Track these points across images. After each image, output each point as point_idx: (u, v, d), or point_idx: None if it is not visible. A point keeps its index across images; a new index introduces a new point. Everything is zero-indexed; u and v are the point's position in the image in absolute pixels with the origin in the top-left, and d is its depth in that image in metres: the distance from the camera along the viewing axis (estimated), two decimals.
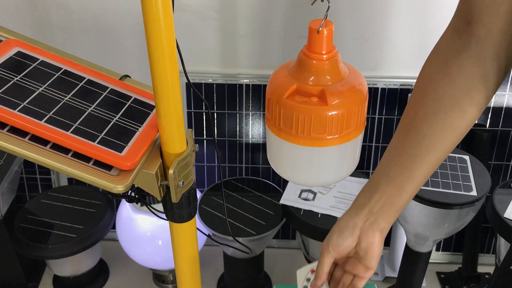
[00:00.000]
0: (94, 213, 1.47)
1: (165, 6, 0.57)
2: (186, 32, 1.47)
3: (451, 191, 1.18)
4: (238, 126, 1.59)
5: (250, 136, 1.60)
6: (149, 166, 0.66)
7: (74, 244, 1.38)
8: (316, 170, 0.74)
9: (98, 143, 0.63)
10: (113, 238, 1.68)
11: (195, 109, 1.56)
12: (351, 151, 0.73)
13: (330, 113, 0.66)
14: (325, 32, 0.72)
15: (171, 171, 0.65)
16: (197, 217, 1.35)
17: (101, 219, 1.44)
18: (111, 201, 1.52)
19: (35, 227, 1.42)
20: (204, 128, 1.59)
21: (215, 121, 1.58)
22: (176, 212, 0.74)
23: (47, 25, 1.47)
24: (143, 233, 1.43)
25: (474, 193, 1.17)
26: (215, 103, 1.56)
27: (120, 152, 0.63)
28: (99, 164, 0.63)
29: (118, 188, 0.61)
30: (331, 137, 0.69)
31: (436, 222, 1.21)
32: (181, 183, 0.68)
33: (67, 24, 1.46)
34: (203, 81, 1.53)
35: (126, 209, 1.46)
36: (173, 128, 0.66)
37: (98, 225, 1.42)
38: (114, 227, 1.53)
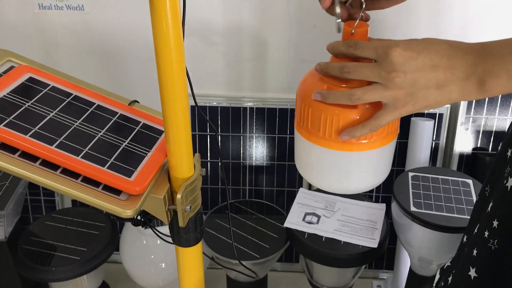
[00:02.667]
0: (98, 235, 1.47)
1: (176, 33, 0.58)
2: (191, 56, 1.49)
3: (455, 215, 1.18)
4: (242, 148, 1.60)
5: (254, 159, 1.61)
6: (157, 190, 0.67)
7: (77, 267, 1.38)
8: (345, 176, 0.69)
9: (107, 168, 0.64)
10: (117, 260, 1.68)
11: (200, 131, 1.58)
12: (382, 158, 0.69)
13: (358, 117, 0.62)
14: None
15: (179, 196, 0.66)
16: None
17: (105, 241, 1.44)
18: (115, 223, 1.52)
19: (38, 249, 1.42)
20: (208, 151, 1.60)
21: (219, 144, 1.59)
22: (182, 236, 0.74)
23: (55, 49, 1.49)
24: (146, 255, 1.42)
25: None
26: (219, 126, 1.57)
27: (129, 177, 0.64)
28: (108, 189, 0.64)
29: (127, 213, 0.62)
30: (361, 141, 0.65)
31: (440, 246, 1.21)
32: (189, 207, 0.68)
33: (75, 48, 1.48)
34: (207, 104, 1.55)
35: (130, 231, 1.47)
36: (182, 154, 0.67)
37: (101, 248, 1.42)
38: (118, 249, 1.52)
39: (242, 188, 1.65)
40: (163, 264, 1.41)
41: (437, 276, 1.22)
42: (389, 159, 0.72)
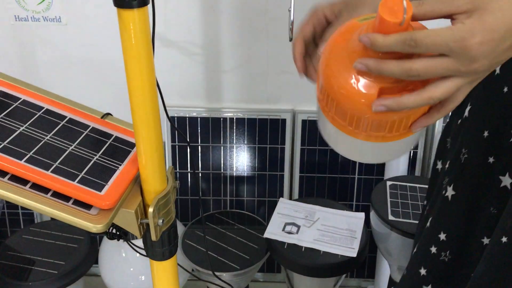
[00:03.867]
0: (77, 248, 1.45)
1: (145, 47, 0.58)
2: (171, 67, 1.49)
3: None
4: (222, 159, 1.60)
5: (234, 169, 1.61)
6: (129, 204, 0.67)
7: (55, 281, 1.36)
8: (382, 155, 0.61)
9: (77, 182, 0.64)
10: (96, 273, 1.66)
11: (179, 142, 1.57)
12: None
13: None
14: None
15: (150, 210, 0.66)
16: (180, 252, 1.34)
17: (83, 254, 1.42)
18: (94, 236, 1.51)
19: (15, 264, 1.40)
20: (188, 162, 1.59)
21: (199, 154, 1.58)
22: (156, 250, 0.74)
23: (32, 61, 1.48)
24: (126, 268, 1.41)
25: None
26: (199, 137, 1.57)
27: (100, 191, 0.64)
28: (78, 203, 0.63)
29: (97, 227, 0.61)
30: (392, 134, 0.53)
31: None
32: (161, 221, 0.68)
33: (52, 60, 1.48)
34: (187, 115, 1.54)
35: (109, 244, 1.45)
36: (154, 167, 0.67)
37: (80, 261, 1.40)
38: (97, 262, 1.51)
39: (223, 199, 1.65)
40: (143, 276, 1.40)
41: None
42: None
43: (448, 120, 0.77)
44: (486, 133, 0.63)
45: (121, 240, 0.92)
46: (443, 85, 0.47)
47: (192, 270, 1.42)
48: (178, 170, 1.60)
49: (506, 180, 0.60)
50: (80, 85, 1.51)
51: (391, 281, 1.36)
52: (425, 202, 0.77)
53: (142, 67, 0.59)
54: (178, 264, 0.90)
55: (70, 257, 1.42)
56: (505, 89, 0.61)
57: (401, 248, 1.22)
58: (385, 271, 1.56)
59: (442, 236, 0.65)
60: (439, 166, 0.74)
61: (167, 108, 1.58)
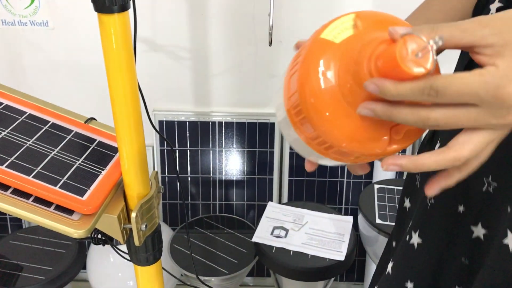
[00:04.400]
0: (64, 253, 1.44)
1: (127, 51, 0.58)
2: (159, 71, 1.49)
3: None
4: (211, 163, 1.60)
5: (223, 173, 1.61)
6: (111, 209, 0.66)
7: (42, 286, 1.35)
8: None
9: (59, 187, 0.63)
10: (84, 278, 1.65)
11: (168, 146, 1.57)
12: None
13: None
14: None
15: (133, 214, 0.66)
16: (168, 256, 1.33)
17: (71, 259, 1.42)
18: (82, 241, 1.50)
19: (2, 270, 1.39)
20: (177, 165, 1.59)
21: (188, 158, 1.58)
22: (140, 255, 0.73)
23: (19, 65, 1.47)
24: (114, 273, 1.40)
25: None
26: (188, 141, 1.57)
27: (82, 196, 0.63)
28: (60, 209, 0.63)
29: (79, 232, 0.61)
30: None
31: None
32: (144, 226, 0.68)
33: (40, 64, 1.47)
34: (176, 119, 1.54)
35: (97, 249, 1.44)
36: (136, 171, 0.66)
37: (67, 266, 1.39)
38: (85, 267, 1.50)
39: (212, 203, 1.64)
40: (131, 281, 1.39)
41: None
42: None
43: (417, 151, 0.70)
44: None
45: (108, 245, 0.91)
46: (471, 142, 0.38)
47: (181, 275, 1.42)
48: (166, 174, 1.59)
49: (478, 231, 0.54)
50: (67, 89, 1.50)
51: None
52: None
53: (124, 72, 0.59)
54: (165, 270, 0.90)
55: (58, 262, 1.41)
56: None
57: None
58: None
59: (410, 285, 0.60)
60: (407, 204, 0.67)
61: (155, 113, 1.57)
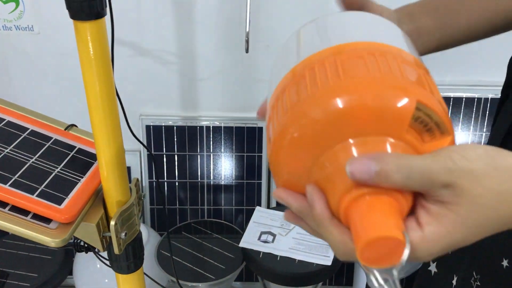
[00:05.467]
0: (51, 259, 1.43)
1: (103, 58, 0.57)
2: (146, 76, 1.49)
3: None
4: (199, 167, 1.59)
5: (212, 178, 1.60)
6: (90, 217, 0.66)
7: None
8: None
9: (37, 196, 0.62)
10: (71, 284, 1.63)
11: (156, 151, 1.56)
12: None
13: None
14: None
15: (112, 222, 0.65)
16: (155, 263, 1.32)
17: (57, 266, 1.40)
18: (69, 248, 1.48)
19: None
20: (165, 170, 1.58)
21: (176, 163, 1.57)
22: (121, 263, 0.73)
23: (4, 70, 1.46)
24: (100, 279, 1.39)
25: None
26: (175, 145, 1.56)
27: (60, 204, 0.63)
28: (38, 217, 0.62)
29: (56, 241, 0.60)
30: None
31: None
32: (124, 234, 0.67)
33: (25, 69, 1.46)
34: (163, 124, 1.53)
35: (83, 255, 1.43)
36: (115, 179, 0.66)
37: (53, 273, 1.38)
38: (71, 273, 1.48)
39: (201, 208, 1.64)
40: None
41: None
42: None
43: None
44: (506, 262, 0.52)
45: (85, 253, 0.90)
46: None
47: (168, 281, 1.41)
48: (154, 179, 1.58)
49: None
50: (53, 94, 1.49)
51: None
52: None
53: (101, 79, 0.58)
54: (149, 277, 0.89)
55: (44, 268, 1.39)
56: None
57: None
58: (362, 278, 1.56)
59: None
60: (433, 268, 0.64)
61: (142, 117, 1.56)
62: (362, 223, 0.31)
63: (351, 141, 0.33)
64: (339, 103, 0.32)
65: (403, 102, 0.32)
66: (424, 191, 0.32)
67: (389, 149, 0.33)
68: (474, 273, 0.55)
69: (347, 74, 0.33)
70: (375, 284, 0.32)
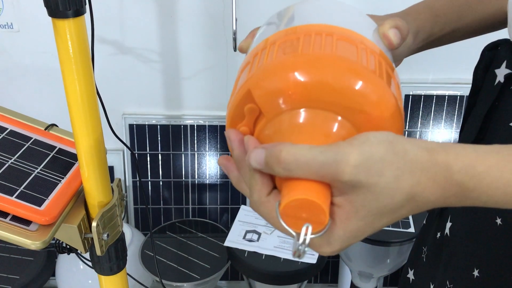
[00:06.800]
0: (33, 261, 1.40)
1: (83, 56, 0.56)
2: (129, 74, 1.47)
3: (390, 229, 1.20)
4: (183, 166, 1.58)
5: (196, 177, 1.59)
6: (71, 219, 0.65)
7: None
8: None
9: (16, 197, 0.61)
10: (53, 286, 1.61)
11: (139, 150, 1.55)
12: None
13: None
14: None
15: (94, 224, 0.64)
16: (139, 263, 1.31)
17: (39, 267, 1.38)
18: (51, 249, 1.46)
19: None
20: (149, 170, 1.57)
21: (160, 162, 1.56)
22: (104, 265, 0.72)
23: None
24: (84, 281, 1.38)
25: (412, 229, 1.20)
26: (159, 144, 1.54)
27: (40, 206, 0.61)
28: (17, 219, 0.61)
29: (36, 244, 0.59)
30: None
31: (378, 259, 1.23)
32: (106, 235, 0.66)
33: (4, 67, 1.43)
34: (146, 123, 1.52)
35: (66, 256, 1.41)
36: (96, 179, 0.65)
37: (35, 275, 1.36)
38: (54, 274, 1.46)
39: (185, 207, 1.63)
40: None
41: None
42: None
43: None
44: (476, 272, 0.52)
45: (67, 254, 0.88)
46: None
47: (153, 281, 1.40)
48: (137, 179, 1.57)
49: None
50: (33, 93, 1.47)
51: (352, 286, 1.37)
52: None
53: (80, 78, 0.57)
54: (133, 278, 0.88)
55: (26, 270, 1.37)
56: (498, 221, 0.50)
57: (359, 253, 1.23)
58: (347, 276, 1.56)
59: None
60: (411, 276, 0.65)
61: (125, 116, 1.55)
62: (294, 185, 0.33)
63: (301, 110, 0.35)
64: (297, 73, 0.34)
65: (354, 84, 0.34)
66: (326, 182, 0.33)
67: (334, 127, 0.35)
68: (447, 282, 0.56)
69: (297, 51, 0.36)
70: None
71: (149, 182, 1.58)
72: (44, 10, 0.53)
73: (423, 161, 0.33)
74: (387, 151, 0.32)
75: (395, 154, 0.32)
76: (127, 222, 1.61)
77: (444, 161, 0.33)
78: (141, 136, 1.53)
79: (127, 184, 1.57)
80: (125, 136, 1.51)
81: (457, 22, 0.54)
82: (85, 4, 0.55)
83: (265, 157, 0.33)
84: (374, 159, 0.32)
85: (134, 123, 1.51)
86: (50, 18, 0.54)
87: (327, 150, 0.32)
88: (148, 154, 1.55)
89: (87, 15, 0.56)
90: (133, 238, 1.40)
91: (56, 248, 0.76)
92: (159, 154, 1.56)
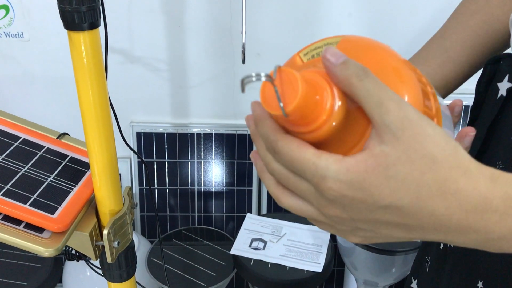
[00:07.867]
0: (40, 267, 1.41)
1: (97, 67, 0.58)
2: (137, 83, 1.49)
3: None
4: (190, 174, 1.59)
5: (202, 185, 1.60)
6: (83, 226, 0.66)
7: None
8: None
9: (29, 205, 0.62)
10: None
11: (146, 158, 1.56)
12: None
13: None
14: None
15: (105, 231, 0.65)
16: (145, 270, 1.32)
17: (46, 274, 1.39)
18: (59, 255, 1.48)
19: None
20: (155, 177, 1.58)
21: (166, 170, 1.57)
22: (114, 272, 0.73)
23: None
24: (91, 287, 1.38)
25: None
26: (166, 152, 1.56)
27: (52, 214, 0.63)
28: (30, 227, 0.62)
29: (49, 251, 0.60)
30: None
31: (383, 268, 1.23)
32: (117, 243, 0.67)
33: (15, 77, 1.45)
34: (154, 131, 1.53)
35: (73, 263, 1.42)
36: (108, 187, 0.66)
37: (42, 281, 1.37)
38: (61, 281, 1.47)
39: (191, 215, 1.63)
40: None
41: None
42: None
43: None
44: (480, 284, 0.52)
45: (76, 261, 0.89)
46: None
47: None
48: (144, 186, 1.58)
49: None
50: (43, 103, 1.49)
51: None
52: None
53: (94, 88, 0.59)
54: (140, 285, 0.89)
55: (33, 277, 1.38)
56: None
57: (365, 262, 1.23)
58: (352, 285, 1.57)
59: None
60: (414, 286, 0.65)
61: (133, 124, 1.56)
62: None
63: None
64: None
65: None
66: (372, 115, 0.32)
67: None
68: None
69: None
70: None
71: (156, 190, 1.60)
72: (54, 20, 0.55)
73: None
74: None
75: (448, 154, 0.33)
76: (134, 229, 1.62)
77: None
78: (148, 144, 1.54)
79: (134, 191, 1.58)
80: (132, 143, 1.53)
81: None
82: (100, 17, 0.56)
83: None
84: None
85: (142, 131, 1.53)
86: (60, 28, 0.56)
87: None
88: (155, 162, 1.56)
89: (101, 28, 0.58)
90: (139, 245, 1.40)
91: (65, 255, 0.77)
92: (166, 162, 1.57)
